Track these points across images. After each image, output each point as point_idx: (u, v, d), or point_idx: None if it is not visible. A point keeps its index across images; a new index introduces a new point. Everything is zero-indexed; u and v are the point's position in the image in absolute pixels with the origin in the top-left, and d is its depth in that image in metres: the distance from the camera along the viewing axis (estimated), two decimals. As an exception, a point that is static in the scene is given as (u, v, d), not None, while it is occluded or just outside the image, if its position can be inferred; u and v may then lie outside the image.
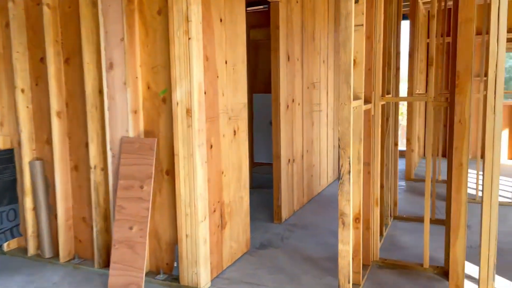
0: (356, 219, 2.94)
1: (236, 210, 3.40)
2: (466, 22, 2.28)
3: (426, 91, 7.29)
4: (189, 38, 2.67)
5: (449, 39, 7.19)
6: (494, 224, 2.14)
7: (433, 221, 4.20)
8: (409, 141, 6.23)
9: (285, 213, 4.43)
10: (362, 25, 2.73)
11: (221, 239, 3.17)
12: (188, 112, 2.73)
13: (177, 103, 2.76)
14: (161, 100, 2.92)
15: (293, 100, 4.58)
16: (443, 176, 6.03)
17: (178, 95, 2.75)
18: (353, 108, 2.64)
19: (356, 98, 2.79)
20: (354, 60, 2.74)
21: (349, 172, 2.57)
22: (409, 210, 4.69)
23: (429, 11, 7.66)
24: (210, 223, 2.99)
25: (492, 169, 2.10)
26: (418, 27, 5.14)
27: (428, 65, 2.94)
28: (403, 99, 3.12)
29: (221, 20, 3.07)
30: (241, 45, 3.38)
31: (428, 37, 7.81)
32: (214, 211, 3.07)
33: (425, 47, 7.05)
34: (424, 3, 6.56)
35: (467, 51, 2.28)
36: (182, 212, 2.82)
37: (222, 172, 3.18)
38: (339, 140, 2.57)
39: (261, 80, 6.65)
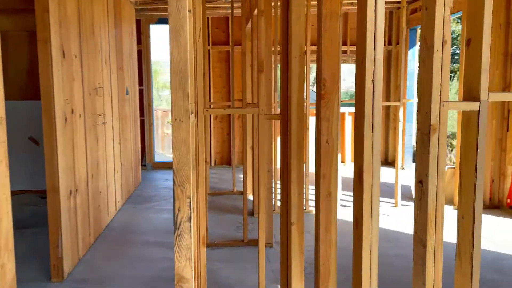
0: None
1: (-7, 288, 2.13)
2: (331, 17, 1.82)
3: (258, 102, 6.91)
4: None
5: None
6: (375, 261, 1.72)
7: (247, 243, 3.77)
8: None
9: (68, 265, 3.24)
10: (190, 11, 1.96)
11: None
12: None
13: None
14: None
15: (72, 111, 3.42)
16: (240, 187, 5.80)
17: None
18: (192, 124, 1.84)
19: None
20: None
21: (190, 218, 1.76)
22: (216, 231, 4.14)
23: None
24: None
25: (372, 195, 1.68)
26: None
27: (258, 71, 2.42)
28: (230, 111, 2.50)
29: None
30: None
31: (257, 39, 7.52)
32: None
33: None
34: None
35: (334, 52, 1.82)
36: None
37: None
38: (174, 173, 1.73)
39: (14, 82, 5.07)
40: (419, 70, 1.71)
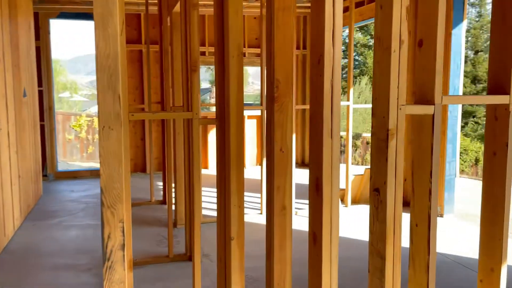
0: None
1: None
2: (284, 10, 1.64)
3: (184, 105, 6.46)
4: None
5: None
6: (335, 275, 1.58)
7: (172, 259, 3.47)
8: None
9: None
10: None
11: None
12: None
13: None
14: None
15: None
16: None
17: None
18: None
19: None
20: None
21: (124, 246, 1.49)
22: (136, 247, 3.77)
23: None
24: None
25: (331, 208, 1.54)
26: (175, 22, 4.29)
27: (191, 71, 2.17)
28: (161, 115, 2.22)
29: None
30: None
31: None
32: None
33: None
34: None
35: (288, 50, 1.64)
36: None
37: None
38: (102, 191, 1.44)
39: None
40: (374, 71, 1.61)
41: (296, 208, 5.01)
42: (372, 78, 1.63)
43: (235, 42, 1.99)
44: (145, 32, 4.50)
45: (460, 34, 4.63)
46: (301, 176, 6.47)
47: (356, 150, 15.14)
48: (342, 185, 5.16)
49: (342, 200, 5.14)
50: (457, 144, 5.09)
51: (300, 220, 4.54)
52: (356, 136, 15.67)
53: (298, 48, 7.74)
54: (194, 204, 2.35)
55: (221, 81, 2.13)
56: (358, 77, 17.84)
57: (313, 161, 1.55)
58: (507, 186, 1.75)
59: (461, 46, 4.69)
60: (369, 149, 9.55)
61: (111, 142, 1.40)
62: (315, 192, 1.54)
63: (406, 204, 5.20)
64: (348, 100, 5.05)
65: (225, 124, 2.08)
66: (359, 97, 16.82)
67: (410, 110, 1.58)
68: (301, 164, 8.23)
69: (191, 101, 2.18)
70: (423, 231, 1.68)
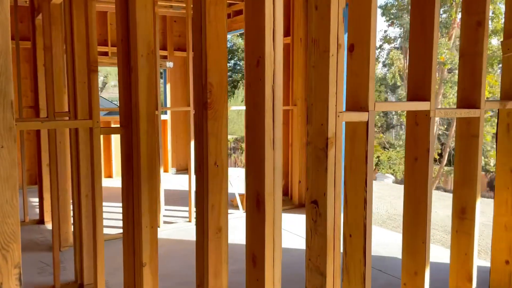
0: None
1: None
2: (217, 4, 1.42)
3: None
4: None
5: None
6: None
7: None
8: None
9: None
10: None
11: None
12: None
13: None
14: None
15: None
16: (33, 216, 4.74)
17: None
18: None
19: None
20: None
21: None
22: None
23: None
24: None
25: (274, 227, 1.39)
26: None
27: (91, 71, 1.84)
28: (51, 125, 1.85)
29: None
30: None
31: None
32: None
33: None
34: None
35: (222, 50, 1.42)
36: None
37: None
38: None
39: None
40: (309, 76, 1.51)
41: (179, 216, 4.77)
42: (308, 82, 1.52)
43: (143, 39, 1.73)
44: (14, 27, 3.86)
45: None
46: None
47: (242, 152, 15.40)
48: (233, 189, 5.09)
49: (235, 204, 5.06)
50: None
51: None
52: (242, 139, 15.96)
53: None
54: (96, 221, 2.01)
55: (126, 84, 1.84)
56: (241, 81, 18.18)
57: (252, 173, 1.38)
58: (429, 191, 1.80)
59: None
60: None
61: (1, 164, 1.06)
62: (255, 209, 1.37)
63: (300, 206, 5.33)
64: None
65: (133, 133, 1.80)
66: (242, 101, 17.13)
67: (348, 118, 1.51)
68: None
69: (91, 106, 1.85)
70: (358, 241, 1.63)
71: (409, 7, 1.87)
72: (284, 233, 4.08)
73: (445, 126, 13.95)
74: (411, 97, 1.82)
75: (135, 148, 1.81)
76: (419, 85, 1.79)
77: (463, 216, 2.04)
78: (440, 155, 13.42)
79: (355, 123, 1.59)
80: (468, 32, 1.96)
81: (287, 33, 5.08)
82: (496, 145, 2.26)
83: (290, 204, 5.20)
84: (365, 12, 1.54)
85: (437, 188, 12.07)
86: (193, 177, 2.39)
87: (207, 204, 1.42)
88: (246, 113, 1.38)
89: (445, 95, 12.73)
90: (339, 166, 1.49)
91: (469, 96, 1.97)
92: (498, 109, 2.21)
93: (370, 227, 1.62)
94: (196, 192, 1.48)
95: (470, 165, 1.99)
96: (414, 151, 1.82)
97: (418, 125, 1.80)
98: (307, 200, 1.56)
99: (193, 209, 4.44)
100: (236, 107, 6.33)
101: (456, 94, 2.03)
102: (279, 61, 1.32)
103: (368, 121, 1.56)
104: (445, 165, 13.31)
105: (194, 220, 1.91)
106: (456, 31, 12.22)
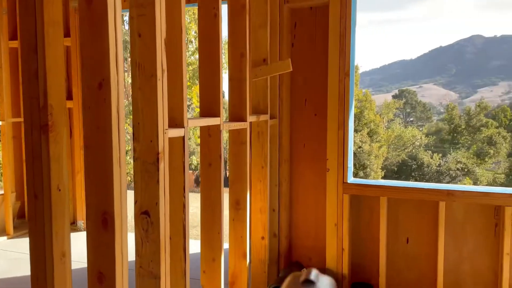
0: None
1: None
2: (54, 25, 1.27)
3: None
4: None
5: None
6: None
7: None
8: None
9: None
10: None
11: None
12: None
13: None
14: None
15: None
16: None
17: None
18: None
19: None
20: None
21: None
22: None
23: None
24: None
25: (122, 246, 1.42)
26: None
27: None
28: None
29: None
30: None
31: None
32: None
33: None
34: None
35: (59, 70, 1.28)
36: None
37: None
38: None
39: None
40: (135, 97, 1.62)
41: None
42: (132, 103, 1.63)
43: None
44: None
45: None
46: None
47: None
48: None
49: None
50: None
51: None
52: None
53: None
54: None
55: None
56: None
57: (95, 192, 1.40)
58: (222, 191, 2.18)
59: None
60: None
61: None
62: (102, 228, 1.40)
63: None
64: None
65: None
66: None
67: (171, 134, 1.71)
68: None
69: None
70: (178, 242, 1.85)
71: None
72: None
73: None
74: (204, 114, 2.16)
75: None
76: (210, 104, 2.14)
77: (237, 207, 2.53)
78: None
79: (172, 139, 1.80)
80: (234, 61, 2.45)
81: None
82: (251, 148, 2.87)
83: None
84: (175, 38, 1.77)
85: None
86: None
87: (51, 230, 1.33)
88: (85, 133, 1.39)
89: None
90: (168, 178, 1.67)
91: (238, 112, 2.46)
92: (254, 121, 2.81)
93: (188, 229, 1.87)
94: (32, 218, 1.35)
95: (241, 166, 2.49)
96: (209, 158, 2.17)
97: (211, 136, 2.16)
98: (136, 212, 1.67)
99: None
100: None
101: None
102: (122, 82, 1.40)
103: (184, 136, 1.80)
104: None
105: None
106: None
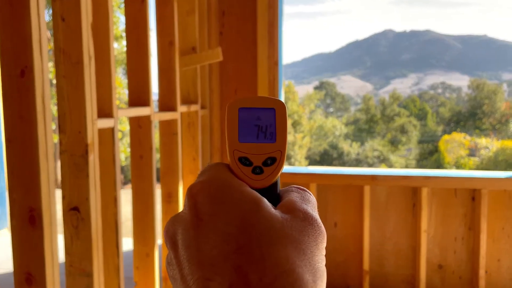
0: None
1: None
2: None
3: None
4: None
5: None
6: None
7: None
8: None
9: None
10: None
11: None
12: None
13: None
14: None
15: None
16: None
17: None
18: None
19: None
20: None
21: None
22: None
23: None
24: None
25: (52, 243, 1.31)
26: None
27: None
28: None
29: None
30: None
31: None
32: None
33: None
34: None
35: None
36: None
37: None
38: None
39: None
40: (60, 86, 1.51)
41: None
42: (57, 93, 1.52)
43: None
44: None
45: None
46: None
47: None
48: None
49: None
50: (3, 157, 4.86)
51: None
52: None
53: None
54: None
55: None
56: None
57: (20, 188, 1.29)
58: (154, 183, 2.12)
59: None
60: None
61: None
62: (29, 226, 1.30)
63: None
64: None
65: None
66: None
67: (100, 124, 1.62)
68: None
69: None
70: (111, 236, 1.77)
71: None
72: None
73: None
74: (133, 103, 2.07)
75: None
76: (139, 93, 2.06)
77: (170, 199, 2.48)
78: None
79: (101, 130, 1.71)
80: (162, 50, 2.38)
81: None
82: (182, 139, 2.82)
83: None
84: (103, 23, 1.67)
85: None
86: None
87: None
88: (7, 126, 1.28)
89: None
90: (98, 171, 1.59)
91: (168, 102, 2.40)
92: (184, 111, 2.76)
93: (121, 224, 1.80)
94: None
95: (172, 157, 2.44)
96: (139, 150, 2.09)
97: (141, 127, 2.08)
98: (65, 208, 1.57)
99: None
100: None
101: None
102: (46, 71, 1.30)
103: (114, 127, 1.72)
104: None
105: None
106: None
